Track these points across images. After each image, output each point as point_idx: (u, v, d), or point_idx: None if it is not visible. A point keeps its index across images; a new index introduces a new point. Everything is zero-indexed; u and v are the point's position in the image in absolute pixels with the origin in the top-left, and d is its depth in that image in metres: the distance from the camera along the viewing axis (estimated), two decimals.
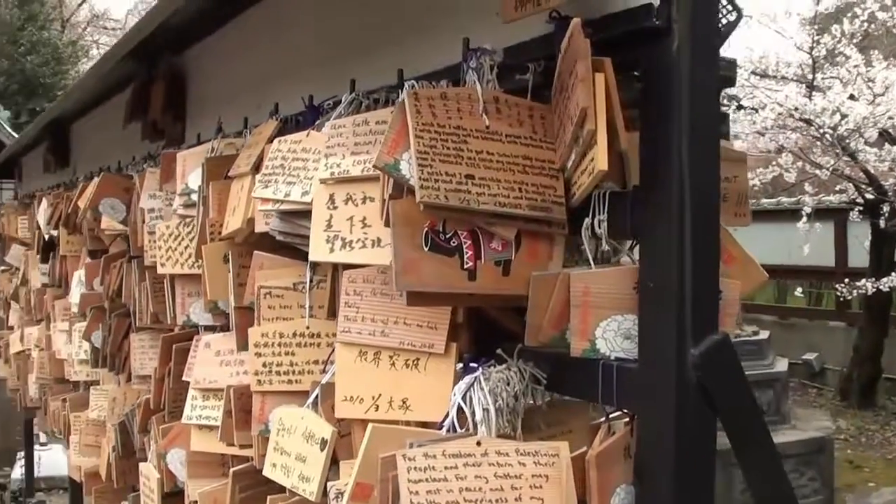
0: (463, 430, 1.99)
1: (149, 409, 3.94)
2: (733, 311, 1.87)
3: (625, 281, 1.86)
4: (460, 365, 2.09)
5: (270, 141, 2.85)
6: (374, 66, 2.63)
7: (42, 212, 6.52)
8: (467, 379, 2.02)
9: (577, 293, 1.90)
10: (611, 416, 1.98)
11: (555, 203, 1.95)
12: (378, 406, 2.22)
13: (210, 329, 3.47)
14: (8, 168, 9.91)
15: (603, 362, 1.88)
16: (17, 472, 9.65)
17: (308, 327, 2.67)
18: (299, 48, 3.27)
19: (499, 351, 2.07)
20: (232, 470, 3.00)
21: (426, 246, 1.94)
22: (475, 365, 2.03)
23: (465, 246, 1.97)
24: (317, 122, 2.68)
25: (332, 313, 2.59)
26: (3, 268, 8.82)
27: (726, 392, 1.75)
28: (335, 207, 2.29)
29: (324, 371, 2.56)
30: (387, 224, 1.99)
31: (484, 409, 1.99)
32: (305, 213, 2.44)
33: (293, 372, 2.68)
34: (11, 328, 8.20)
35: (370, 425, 2.06)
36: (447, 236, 1.96)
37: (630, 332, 1.86)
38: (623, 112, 1.80)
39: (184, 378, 3.52)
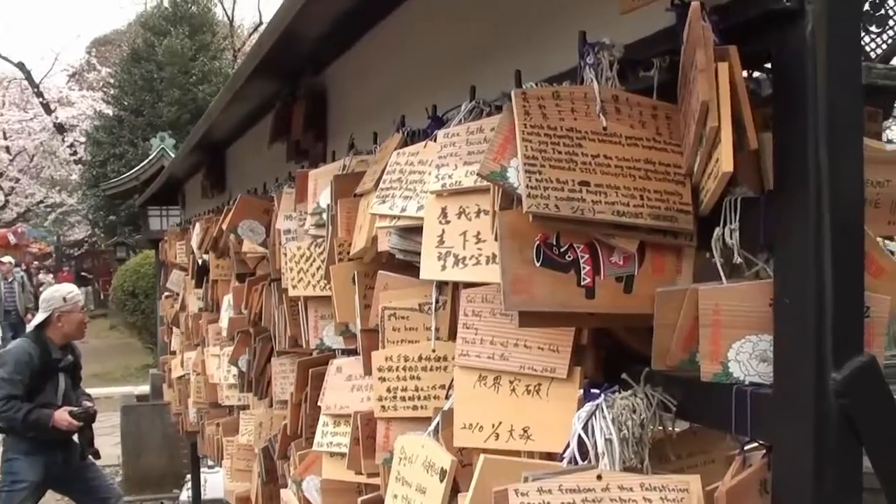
0: (585, 463, 1.82)
1: (287, 435, 3.88)
2: (881, 330, 1.64)
3: (759, 297, 1.65)
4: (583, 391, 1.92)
5: None
6: (496, 71, 2.48)
7: (195, 236, 6.60)
8: (588, 406, 1.85)
9: (707, 311, 1.69)
10: (746, 447, 1.77)
11: (681, 211, 1.76)
12: (498, 435, 2.06)
13: (347, 353, 3.38)
14: (173, 194, 10.16)
15: (736, 388, 1.67)
16: (185, 494, 9.81)
17: (434, 350, 2.54)
18: (427, 58, 3.15)
19: (624, 376, 1.88)
20: (360, 500, 2.89)
21: (538, 261, 1.77)
22: (597, 391, 1.85)
23: (582, 260, 1.79)
24: (436, 133, 2.55)
25: (453, 335, 2.45)
26: (166, 293, 9.00)
27: (873, 421, 1.52)
28: (447, 222, 2.14)
29: (447, 396, 2.41)
30: (496, 237, 1.83)
31: (606, 440, 1.81)
32: (422, 229, 2.31)
33: (418, 397, 2.55)
34: (174, 353, 8.34)
35: (481, 456, 1.91)
36: (561, 250, 1.79)
37: (766, 355, 1.65)
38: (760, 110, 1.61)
39: (319, 403, 3.43)
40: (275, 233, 4.13)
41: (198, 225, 6.63)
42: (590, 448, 1.82)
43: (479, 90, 2.46)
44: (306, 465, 3.53)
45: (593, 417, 1.84)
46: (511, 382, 2.06)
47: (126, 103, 28.59)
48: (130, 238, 25.33)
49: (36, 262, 39.47)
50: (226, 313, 5.43)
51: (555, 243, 1.79)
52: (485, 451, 2.08)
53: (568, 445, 1.86)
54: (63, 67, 46.12)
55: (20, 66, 42.59)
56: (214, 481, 9.58)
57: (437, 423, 2.31)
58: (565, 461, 1.85)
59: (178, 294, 8.16)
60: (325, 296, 3.35)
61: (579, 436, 1.84)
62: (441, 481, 2.18)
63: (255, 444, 4.67)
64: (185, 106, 26.31)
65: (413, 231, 2.37)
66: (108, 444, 11.05)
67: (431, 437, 2.31)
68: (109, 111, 30.52)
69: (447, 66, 2.93)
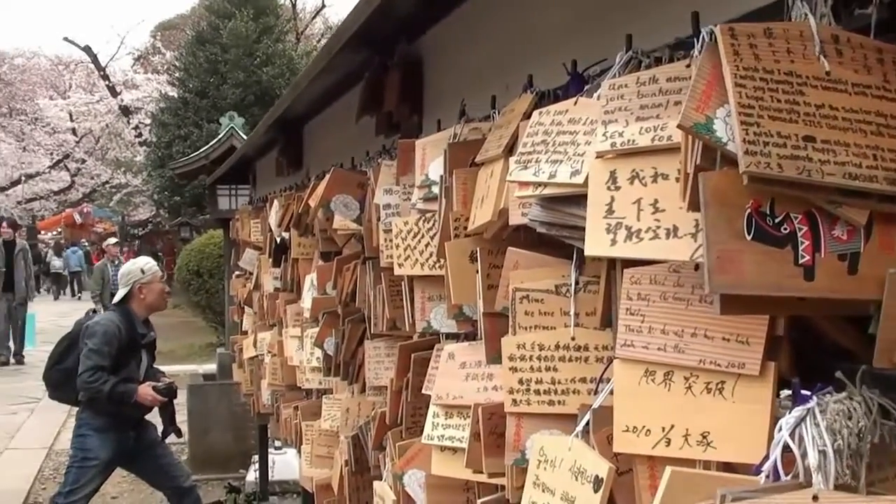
0: (789, 478, 1.51)
1: (384, 424, 3.60)
2: None
3: None
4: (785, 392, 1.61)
5: (526, 117, 2.42)
6: (652, 20, 2.17)
7: (273, 214, 6.37)
8: (798, 411, 1.52)
9: None
10: None
11: None
12: (670, 440, 1.75)
13: (453, 337, 3.10)
14: (243, 173, 9.98)
15: None
16: (252, 475, 9.66)
17: (573, 338, 2.23)
18: (550, 13, 2.84)
19: (838, 374, 1.56)
20: (480, 502, 2.60)
21: (749, 234, 1.46)
22: (807, 393, 1.54)
23: (799, 234, 1.47)
24: (585, 89, 2.23)
25: (606, 322, 2.13)
26: (237, 272, 8.83)
27: None
28: (617, 188, 1.82)
29: (595, 392, 2.10)
30: (693, 206, 1.52)
31: (820, 452, 1.50)
32: (575, 199, 1.98)
33: (555, 391, 2.24)
34: (245, 333, 8.16)
35: (669, 469, 1.59)
36: (776, 220, 1.47)
37: None
38: None
39: (423, 391, 3.16)
40: (371, 208, 3.85)
41: (276, 202, 6.39)
42: (798, 460, 1.51)
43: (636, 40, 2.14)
44: (409, 458, 3.24)
45: (803, 424, 1.52)
46: (686, 379, 1.75)
47: (191, 86, 28.68)
48: (195, 218, 25.31)
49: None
50: (308, 293, 5.18)
51: (768, 212, 1.47)
52: (651, 458, 1.78)
53: (767, 457, 1.55)
54: (129, 51, 46.56)
55: (87, 49, 42.97)
56: (282, 462, 9.43)
57: (587, 423, 2.00)
58: (763, 476, 1.54)
59: (250, 273, 7.97)
60: (435, 275, 3.06)
61: (783, 446, 1.53)
62: (596, 491, 1.87)
63: (342, 430, 4.42)
64: (249, 88, 26.31)
65: (562, 201, 2.04)
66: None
67: (579, 438, 2.01)
68: (174, 93, 30.66)
69: (584, 17, 2.62)
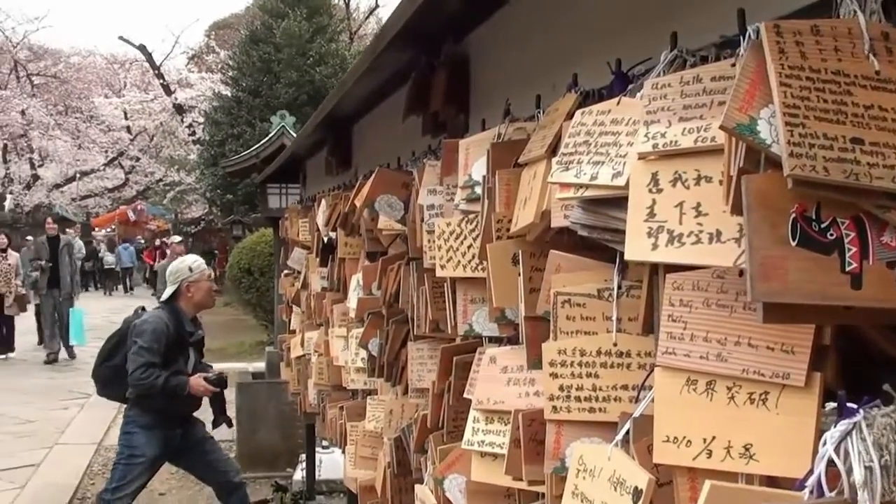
0: (833, 495, 1.45)
1: (426, 427, 3.56)
2: None
3: None
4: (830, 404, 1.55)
5: (570, 117, 2.36)
6: (698, 18, 2.11)
7: (321, 213, 6.36)
8: (844, 424, 1.47)
9: None
10: None
11: None
12: (711, 452, 1.69)
13: (495, 341, 3.05)
14: (294, 172, 10.01)
15: None
16: (299, 474, 9.67)
17: (615, 344, 2.17)
18: (597, 10, 2.78)
19: (886, 387, 1.50)
20: None
21: (794, 239, 1.40)
22: (854, 405, 1.48)
23: (846, 240, 1.42)
24: (629, 88, 2.18)
25: (648, 328, 2.07)
26: (286, 271, 8.84)
27: None
28: (659, 190, 1.76)
29: (635, 399, 2.05)
30: (736, 210, 1.46)
31: (866, 468, 1.44)
32: (617, 201, 1.93)
33: (596, 398, 2.19)
34: (293, 332, 8.17)
35: (708, 483, 1.54)
36: (822, 226, 1.41)
37: None
38: None
39: (465, 395, 3.10)
40: (415, 208, 3.81)
41: (324, 201, 6.37)
42: (843, 476, 1.45)
43: (681, 38, 2.08)
44: (449, 463, 3.19)
45: (849, 437, 1.46)
46: (729, 389, 1.69)
47: (244, 85, 28.87)
48: (247, 216, 25.45)
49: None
50: (354, 293, 5.16)
51: (814, 217, 1.41)
52: (692, 469, 1.73)
53: (811, 471, 1.49)
54: (183, 50, 47.09)
55: (141, 48, 43.43)
56: (329, 462, 9.43)
57: (627, 432, 1.95)
58: (806, 491, 1.48)
59: (299, 272, 7.97)
60: (477, 277, 3.02)
61: (828, 461, 1.47)
62: (635, 502, 1.82)
63: (385, 432, 4.39)
64: (302, 87, 26.42)
65: (603, 203, 1.99)
66: None
67: (619, 447, 1.96)
68: (228, 92, 30.88)
69: (629, 15, 2.56)
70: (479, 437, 2.80)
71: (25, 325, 19.35)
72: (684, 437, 1.73)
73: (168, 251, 21.30)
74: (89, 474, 10.33)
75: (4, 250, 18.74)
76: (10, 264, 18.54)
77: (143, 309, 7.37)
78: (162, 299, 7.20)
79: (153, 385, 6.56)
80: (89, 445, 11.33)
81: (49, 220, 20.38)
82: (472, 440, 2.82)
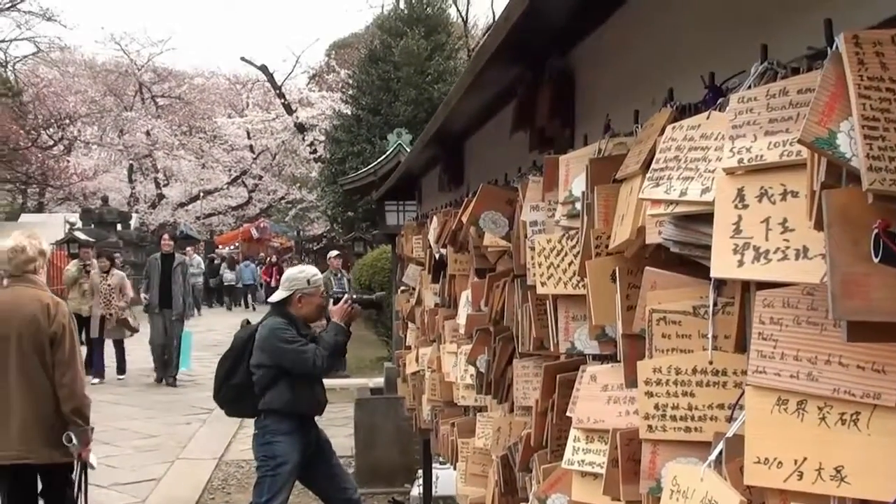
0: None
1: (530, 446, 3.54)
2: None
3: None
4: None
5: (663, 133, 2.34)
6: (792, 27, 2.06)
7: (432, 230, 6.39)
8: None
9: None
10: None
11: None
12: (802, 474, 1.65)
13: (598, 358, 3.02)
14: (410, 189, 10.09)
15: None
16: (416, 490, 9.70)
17: (711, 362, 2.13)
18: (698, 22, 2.74)
19: None
20: None
21: (877, 256, 1.36)
22: None
23: None
24: (718, 102, 2.14)
25: (741, 346, 2.03)
26: (402, 287, 8.90)
27: None
28: (745, 206, 1.73)
29: (730, 419, 2.01)
30: (819, 226, 1.43)
31: None
32: (707, 217, 1.90)
33: (691, 417, 2.15)
34: (409, 348, 8.22)
35: None
36: None
37: None
38: None
39: (567, 413, 3.08)
40: (519, 225, 3.80)
41: (435, 218, 6.41)
42: None
43: (771, 51, 2.04)
44: (552, 482, 3.18)
45: None
46: (820, 409, 1.64)
47: (364, 103, 29.25)
48: (367, 233, 25.74)
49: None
50: (464, 310, 5.17)
51: None
52: (783, 492, 1.69)
53: None
54: (304, 70, 48.01)
55: (263, 68, 44.38)
56: (445, 478, 9.43)
57: (720, 452, 1.91)
58: None
59: (413, 289, 8.03)
60: (579, 294, 2.99)
61: None
62: None
63: (493, 450, 4.38)
64: (421, 105, 26.65)
65: (694, 219, 1.97)
66: (342, 435, 11.18)
67: (712, 468, 1.92)
68: (348, 111, 31.31)
69: (724, 27, 2.52)
70: (579, 457, 2.78)
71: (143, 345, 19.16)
72: (775, 459, 1.69)
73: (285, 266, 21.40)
74: (209, 489, 10.53)
75: (107, 271, 18.05)
76: (109, 285, 17.79)
77: (248, 322, 7.53)
78: (272, 300, 7.34)
79: (328, 359, 6.92)
80: (210, 460, 11.56)
81: (165, 236, 19.71)
82: (573, 459, 2.80)
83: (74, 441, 6.43)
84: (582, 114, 4.00)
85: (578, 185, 3.03)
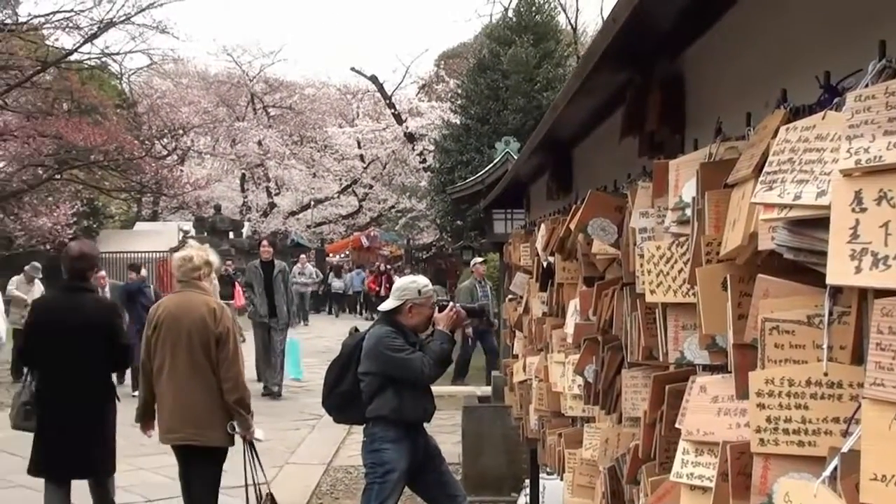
0: None
1: (638, 457, 3.47)
2: None
3: None
4: None
5: (776, 135, 2.26)
6: None
7: (540, 237, 6.34)
8: None
9: None
10: None
11: None
12: None
13: (708, 368, 2.94)
14: (518, 197, 10.06)
15: None
16: (523, 500, 9.63)
17: (826, 374, 2.04)
18: (808, 26, 2.65)
19: None
20: None
21: None
22: None
23: None
24: (834, 102, 2.06)
25: (858, 357, 1.95)
26: (510, 296, 8.86)
27: None
28: (862, 209, 1.65)
29: (845, 433, 1.92)
30: None
31: None
32: (822, 221, 1.82)
33: (805, 431, 2.06)
34: (516, 356, 8.17)
35: None
36: None
37: None
38: None
39: (676, 425, 3.00)
40: (628, 232, 3.74)
41: (543, 226, 6.35)
42: None
43: (890, 48, 1.95)
44: (660, 495, 3.10)
45: None
46: None
47: (472, 112, 29.31)
48: (475, 242, 25.76)
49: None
50: (571, 319, 5.11)
51: None
52: None
53: None
54: (413, 80, 48.25)
55: (373, 79, 44.84)
56: (552, 488, 9.34)
57: (835, 468, 1.83)
58: None
59: (521, 297, 7.98)
60: (688, 303, 2.92)
61: None
62: None
63: (600, 461, 4.31)
64: (530, 113, 26.57)
65: (809, 224, 1.88)
66: (450, 443, 11.16)
67: (826, 484, 1.84)
68: (456, 120, 31.42)
69: (839, 25, 2.43)
70: (688, 469, 2.71)
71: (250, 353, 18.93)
72: (893, 476, 1.61)
73: (395, 277, 21.32)
74: (318, 494, 10.62)
75: None
76: None
77: (357, 329, 7.58)
78: (382, 308, 7.36)
79: (435, 367, 6.94)
80: (318, 466, 11.65)
81: (264, 242, 18.51)
82: (682, 472, 2.73)
83: (237, 428, 7.45)
84: (692, 118, 3.92)
85: (689, 191, 2.95)
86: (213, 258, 7.78)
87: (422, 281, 7.39)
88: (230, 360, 7.33)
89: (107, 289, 17.37)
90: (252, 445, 7.69)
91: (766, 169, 2.11)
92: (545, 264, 6.29)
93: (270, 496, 7.88)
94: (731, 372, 2.54)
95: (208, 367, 7.31)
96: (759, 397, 2.13)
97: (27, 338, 7.96)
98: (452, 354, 7.37)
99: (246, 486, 7.70)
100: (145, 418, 7.65)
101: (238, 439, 7.60)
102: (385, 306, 7.23)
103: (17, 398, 7.86)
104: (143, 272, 18.41)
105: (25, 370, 8.06)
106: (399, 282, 7.46)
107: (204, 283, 7.60)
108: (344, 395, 7.14)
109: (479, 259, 19.82)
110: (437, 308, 7.15)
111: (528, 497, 9.45)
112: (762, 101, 2.86)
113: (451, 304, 7.32)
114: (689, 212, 2.94)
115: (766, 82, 2.92)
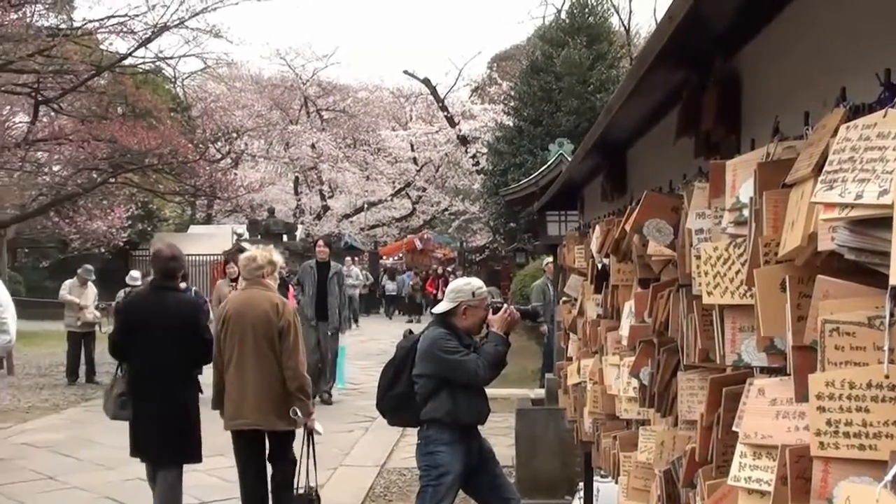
0: None
1: (694, 461, 3.43)
2: None
3: None
4: None
5: (836, 134, 2.22)
6: None
7: (594, 239, 6.30)
8: None
9: None
10: None
11: None
12: None
13: (766, 371, 2.90)
14: (572, 199, 10.02)
15: None
16: (576, 502, 9.60)
17: (887, 376, 2.00)
18: (869, 20, 2.60)
19: None
20: None
21: None
22: None
23: None
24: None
25: None
26: (564, 298, 8.83)
27: None
28: None
29: None
30: None
31: None
32: (884, 221, 1.79)
33: (866, 434, 2.03)
34: (570, 359, 8.14)
35: None
36: None
37: None
38: None
39: (734, 428, 2.97)
40: (684, 233, 3.71)
41: (597, 228, 6.32)
42: None
43: None
44: (717, 499, 3.07)
45: None
46: None
47: (525, 114, 29.35)
48: (529, 244, 25.73)
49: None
50: (626, 321, 5.08)
51: None
52: None
53: None
54: (466, 82, 48.37)
55: (426, 82, 44.96)
56: (607, 491, 9.30)
57: None
58: None
59: (575, 299, 7.94)
60: (746, 304, 2.88)
61: None
62: None
63: (656, 464, 4.28)
64: (583, 115, 26.57)
65: (870, 223, 1.85)
66: (503, 445, 11.15)
67: (888, 489, 1.81)
68: (509, 122, 31.47)
69: None
70: (745, 473, 2.67)
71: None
72: None
73: (451, 278, 21.29)
74: (371, 496, 10.64)
75: (235, 280, 14.74)
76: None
77: (411, 332, 7.60)
78: (435, 311, 7.37)
79: (489, 369, 6.92)
80: (372, 468, 11.67)
81: (321, 242, 17.45)
82: (739, 476, 2.70)
83: (299, 414, 8.03)
84: (748, 117, 3.88)
85: (746, 191, 2.92)
86: (277, 257, 8.46)
87: (476, 283, 7.39)
88: (291, 351, 8.01)
89: None
90: (311, 435, 8.23)
91: (826, 168, 2.07)
92: (600, 266, 6.26)
93: (316, 493, 8.40)
94: (789, 374, 2.50)
95: (272, 357, 7.99)
96: (819, 400, 2.10)
97: (119, 334, 8.44)
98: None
99: (298, 472, 8.26)
100: (221, 406, 8.28)
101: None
102: (439, 308, 7.24)
103: (111, 391, 8.44)
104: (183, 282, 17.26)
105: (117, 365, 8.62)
106: (453, 284, 7.46)
107: (268, 280, 8.28)
108: (398, 397, 7.17)
109: (550, 258, 19.79)
110: (491, 310, 7.14)
111: (581, 500, 9.41)
112: (820, 100, 2.82)
113: (505, 305, 7.30)
114: (746, 212, 2.91)
115: (824, 80, 2.88)
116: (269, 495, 8.33)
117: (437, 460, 6.89)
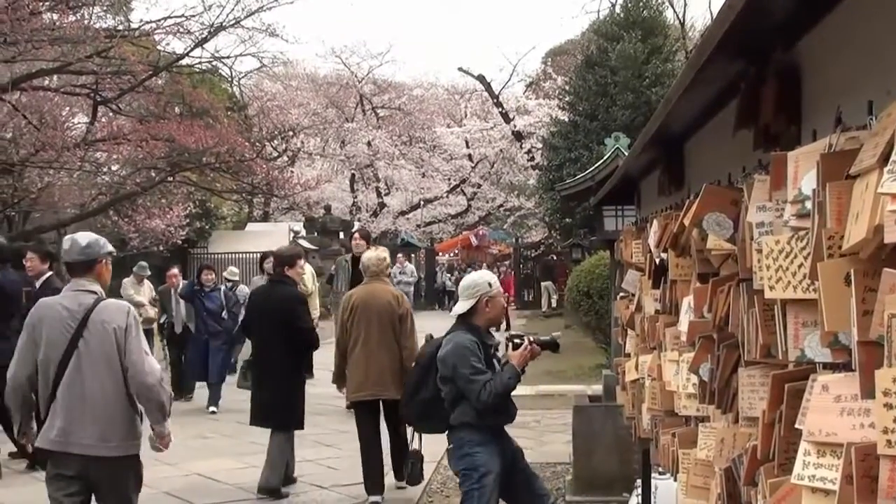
0: None
1: (755, 458, 3.36)
2: None
3: None
4: None
5: None
6: None
7: (652, 234, 6.22)
8: None
9: None
10: None
11: None
12: None
13: (830, 367, 2.83)
14: (629, 193, 9.94)
15: None
16: (634, 500, 9.51)
17: None
18: None
19: None
20: None
21: None
22: None
23: None
24: None
25: None
26: (621, 294, 8.76)
27: None
28: None
29: None
30: None
31: None
32: None
33: None
34: (628, 355, 8.07)
35: None
36: None
37: None
38: None
39: (797, 425, 2.91)
40: (744, 226, 3.64)
41: (655, 222, 6.24)
42: None
43: None
44: (779, 498, 3.00)
45: None
46: None
47: (580, 109, 29.23)
48: (585, 240, 25.62)
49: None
50: (685, 316, 5.00)
51: None
52: None
53: None
54: (520, 78, 48.30)
55: (480, 78, 44.99)
56: (665, 489, 9.19)
57: None
58: None
59: (633, 295, 7.87)
60: (809, 299, 2.81)
61: None
62: None
63: (716, 461, 4.21)
64: (639, 109, 26.40)
65: None
66: (559, 442, 11.12)
67: None
68: (564, 117, 31.36)
69: None
70: (809, 472, 2.61)
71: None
72: None
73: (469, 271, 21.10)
74: (428, 492, 10.70)
75: (270, 276, 13.11)
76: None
77: (432, 336, 7.60)
78: (456, 312, 7.31)
79: (496, 396, 6.81)
80: (429, 463, 11.60)
81: (356, 234, 15.24)
82: (803, 474, 2.63)
83: None
84: (809, 108, 3.81)
85: (808, 183, 2.86)
86: (385, 254, 10.59)
87: (488, 275, 7.59)
88: (409, 334, 10.02)
89: (179, 287, 17.68)
90: None
91: (892, 158, 2.02)
92: (658, 261, 6.18)
93: (420, 454, 10.05)
94: (854, 370, 2.44)
95: (393, 339, 9.89)
96: (886, 397, 2.05)
97: (247, 315, 11.37)
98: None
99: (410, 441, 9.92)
100: (340, 380, 10.41)
101: None
102: (459, 309, 7.20)
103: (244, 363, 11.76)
104: (210, 274, 17.24)
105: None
106: (466, 280, 7.33)
107: (385, 276, 10.38)
108: (425, 403, 7.24)
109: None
110: (511, 345, 7.09)
111: (639, 497, 9.32)
112: (884, 89, 2.76)
113: (526, 341, 7.22)
114: (809, 205, 2.84)
115: (887, 69, 2.81)
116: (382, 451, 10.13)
117: (475, 462, 6.85)
